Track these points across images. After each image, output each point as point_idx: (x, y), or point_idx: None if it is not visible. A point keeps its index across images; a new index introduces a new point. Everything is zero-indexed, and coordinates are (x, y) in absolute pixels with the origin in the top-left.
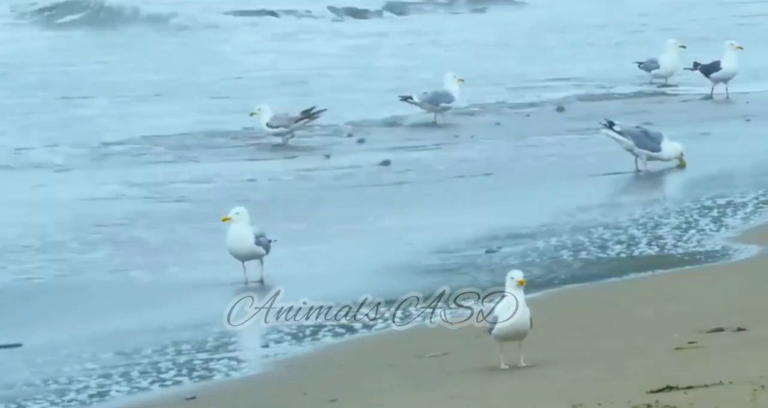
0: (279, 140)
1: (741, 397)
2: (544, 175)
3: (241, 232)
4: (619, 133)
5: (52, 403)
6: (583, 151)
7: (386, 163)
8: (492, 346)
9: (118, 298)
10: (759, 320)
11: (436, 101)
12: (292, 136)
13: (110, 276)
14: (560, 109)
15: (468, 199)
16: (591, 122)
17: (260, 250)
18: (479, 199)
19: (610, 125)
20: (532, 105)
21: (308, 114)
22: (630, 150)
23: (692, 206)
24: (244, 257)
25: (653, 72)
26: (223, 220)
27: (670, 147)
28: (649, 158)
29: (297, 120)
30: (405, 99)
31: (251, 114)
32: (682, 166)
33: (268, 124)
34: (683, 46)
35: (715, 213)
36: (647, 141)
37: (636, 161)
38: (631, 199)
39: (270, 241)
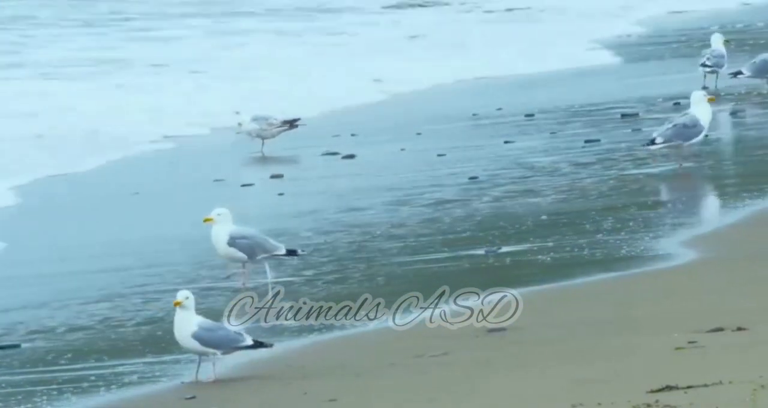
0: (256, 139)
1: (741, 397)
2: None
3: (217, 233)
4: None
5: (50, 400)
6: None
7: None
8: (491, 346)
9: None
10: (759, 320)
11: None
12: (264, 138)
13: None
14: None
15: None
16: None
17: (235, 252)
18: None
19: (653, 142)
20: None
21: (289, 122)
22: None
23: (684, 205)
24: (223, 258)
25: (724, 68)
26: (204, 220)
27: (702, 113)
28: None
29: (277, 126)
30: (735, 75)
31: (238, 124)
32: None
33: (251, 120)
34: (728, 41)
35: (709, 210)
36: (690, 131)
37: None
38: (629, 198)
39: (274, 251)
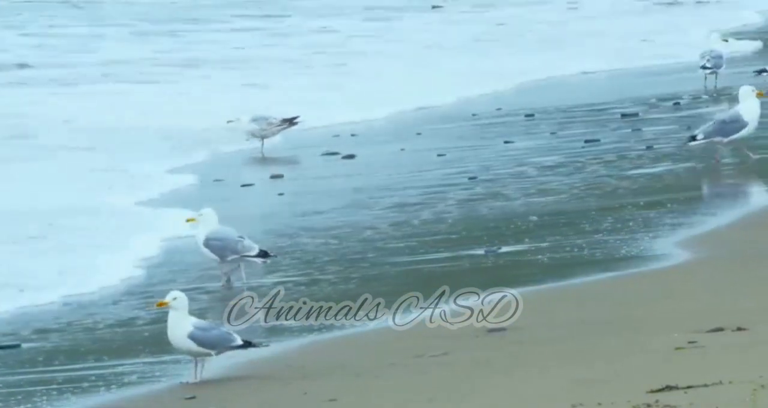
0: (256, 141)
1: (741, 397)
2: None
3: (199, 233)
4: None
5: (50, 400)
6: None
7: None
8: (491, 346)
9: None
10: (759, 320)
11: None
12: (264, 138)
13: None
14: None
15: None
16: None
17: (208, 252)
18: None
19: (693, 138)
20: None
21: (288, 120)
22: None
23: (683, 205)
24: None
25: (722, 68)
26: (187, 220)
27: (748, 109)
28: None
29: (276, 125)
30: (759, 72)
31: (228, 122)
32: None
33: (251, 120)
34: (726, 40)
35: (708, 210)
36: (729, 127)
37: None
38: (628, 198)
39: (244, 252)
